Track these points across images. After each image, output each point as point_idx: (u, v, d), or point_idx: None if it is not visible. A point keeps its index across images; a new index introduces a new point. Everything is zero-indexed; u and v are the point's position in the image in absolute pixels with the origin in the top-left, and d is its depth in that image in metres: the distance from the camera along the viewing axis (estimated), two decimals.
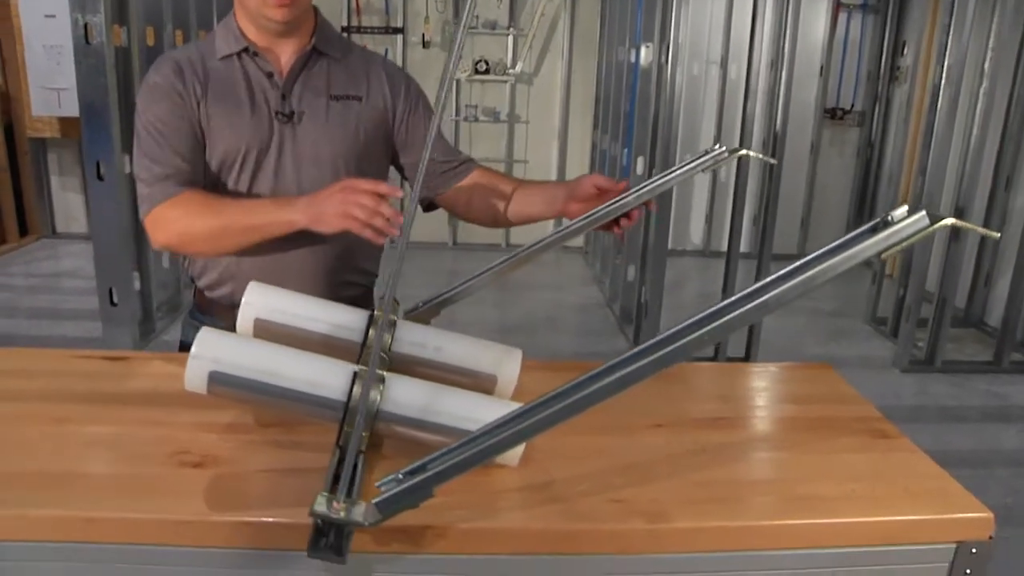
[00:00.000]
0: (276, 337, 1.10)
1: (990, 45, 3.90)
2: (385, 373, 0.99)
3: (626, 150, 4.68)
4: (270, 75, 1.42)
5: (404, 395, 0.99)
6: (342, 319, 1.15)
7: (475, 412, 0.99)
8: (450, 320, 1.31)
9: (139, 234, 4.18)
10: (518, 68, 5.94)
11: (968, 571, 0.98)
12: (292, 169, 1.43)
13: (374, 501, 0.85)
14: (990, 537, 0.98)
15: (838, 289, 5.72)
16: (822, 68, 5.95)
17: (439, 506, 0.90)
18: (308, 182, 1.42)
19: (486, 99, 6.04)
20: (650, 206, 1.42)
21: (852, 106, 6.12)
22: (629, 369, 0.85)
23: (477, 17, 5.84)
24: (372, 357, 0.93)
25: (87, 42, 3.54)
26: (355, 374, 0.97)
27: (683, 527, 0.95)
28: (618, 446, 1.13)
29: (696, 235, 6.34)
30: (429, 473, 0.86)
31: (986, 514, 0.99)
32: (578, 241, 6.35)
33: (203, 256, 1.49)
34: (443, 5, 5.83)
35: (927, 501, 1.02)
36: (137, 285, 4.12)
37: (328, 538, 0.84)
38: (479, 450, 0.86)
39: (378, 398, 0.96)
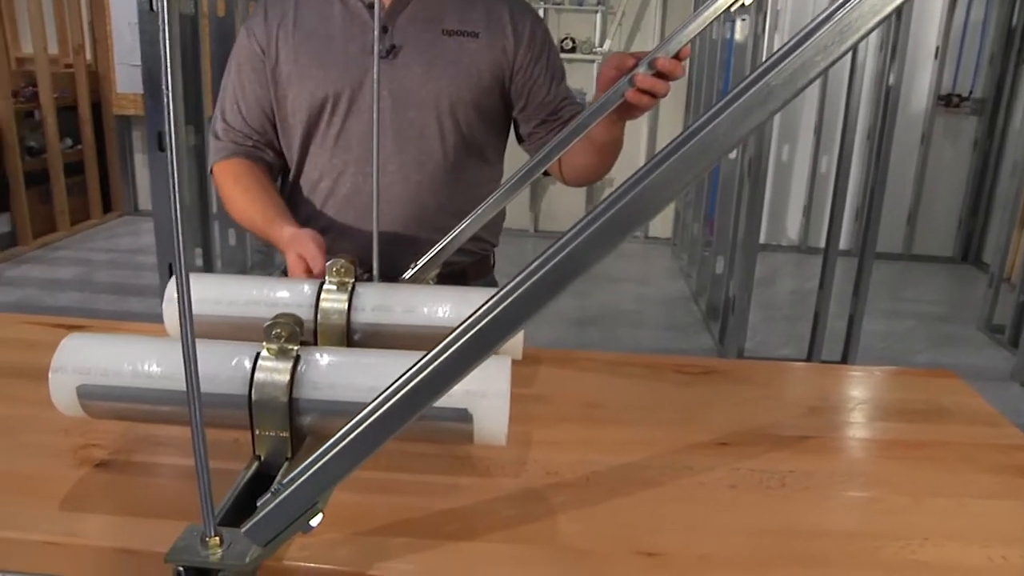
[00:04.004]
0: (215, 334, 0.86)
1: None
2: (297, 348, 0.71)
3: None
4: (371, 5, 1.27)
5: (326, 373, 0.71)
6: (288, 296, 0.89)
7: None
8: None
9: (204, 210, 4.08)
10: (606, 46, 5.60)
11: None
12: (390, 111, 1.27)
13: (243, 529, 0.59)
14: None
15: (948, 292, 5.21)
16: (937, 50, 5.39)
17: (378, 544, 0.63)
18: (406, 127, 1.29)
19: (572, 79, 5.69)
20: (683, 54, 1.07)
21: (971, 92, 5.53)
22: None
23: None
24: (268, 332, 0.66)
25: (151, 8, 3.45)
26: (258, 356, 0.70)
27: None
28: (661, 471, 0.82)
29: (792, 230, 5.87)
30: (306, 475, 0.57)
31: None
32: (666, 231, 5.98)
33: None
34: None
35: None
36: (199, 262, 4.04)
37: None
38: (370, 427, 0.57)
39: (285, 381, 0.69)
